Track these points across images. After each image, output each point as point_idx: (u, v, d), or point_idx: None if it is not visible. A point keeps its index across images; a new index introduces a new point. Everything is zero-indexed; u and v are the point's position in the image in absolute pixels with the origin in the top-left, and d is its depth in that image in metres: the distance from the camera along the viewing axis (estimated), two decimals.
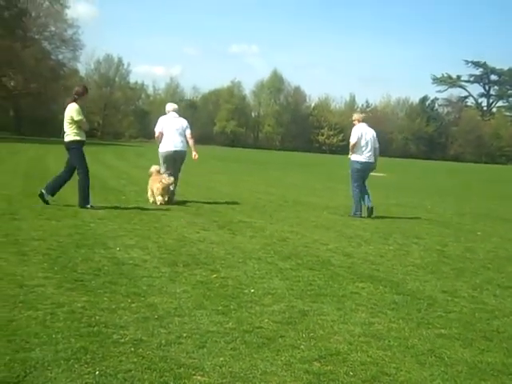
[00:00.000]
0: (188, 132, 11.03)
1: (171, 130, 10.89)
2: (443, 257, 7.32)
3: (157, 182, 10.47)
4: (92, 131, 79.85)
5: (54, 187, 9.58)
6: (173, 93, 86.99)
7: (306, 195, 14.81)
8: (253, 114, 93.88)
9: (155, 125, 11.20)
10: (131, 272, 5.45)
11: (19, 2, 56.55)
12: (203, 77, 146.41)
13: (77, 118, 9.30)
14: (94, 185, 13.00)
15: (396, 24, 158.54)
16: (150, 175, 11.02)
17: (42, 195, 9.38)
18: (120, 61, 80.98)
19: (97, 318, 4.07)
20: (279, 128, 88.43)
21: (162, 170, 10.90)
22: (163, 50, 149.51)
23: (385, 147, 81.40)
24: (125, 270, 5.52)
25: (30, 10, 58.99)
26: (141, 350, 3.56)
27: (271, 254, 6.70)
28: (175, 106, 11.53)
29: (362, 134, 10.59)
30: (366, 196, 10.67)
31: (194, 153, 11.16)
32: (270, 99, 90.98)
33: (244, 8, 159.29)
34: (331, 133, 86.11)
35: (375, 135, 10.81)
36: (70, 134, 9.39)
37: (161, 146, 10.95)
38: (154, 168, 10.95)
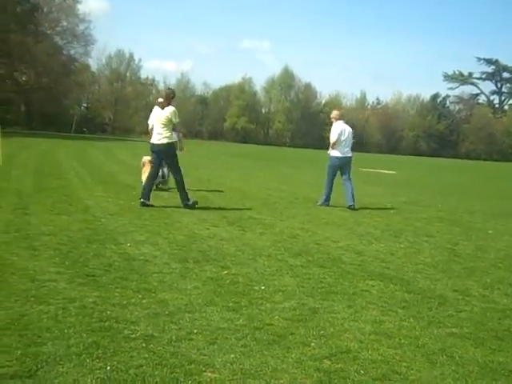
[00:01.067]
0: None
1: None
2: (454, 255, 7.28)
3: (145, 172, 11.08)
4: (103, 126, 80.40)
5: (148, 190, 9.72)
6: (183, 88, 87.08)
7: (317, 192, 14.74)
8: (263, 111, 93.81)
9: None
10: (142, 268, 5.47)
11: None
12: (214, 72, 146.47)
13: (175, 120, 9.59)
14: (105, 180, 13.08)
15: (407, 21, 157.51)
16: (142, 165, 11.43)
17: (144, 204, 9.44)
18: (131, 56, 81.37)
19: (108, 313, 4.09)
20: (289, 125, 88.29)
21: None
22: (174, 45, 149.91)
23: (395, 144, 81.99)
24: (135, 265, 5.54)
25: (42, 5, 59.31)
26: (152, 345, 3.57)
27: (281, 251, 6.70)
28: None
29: (342, 131, 11.40)
30: (350, 191, 11.22)
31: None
32: (281, 95, 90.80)
33: (256, 3, 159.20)
34: None
35: (351, 131, 11.72)
36: (165, 137, 9.59)
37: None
38: (145, 158, 11.32)
